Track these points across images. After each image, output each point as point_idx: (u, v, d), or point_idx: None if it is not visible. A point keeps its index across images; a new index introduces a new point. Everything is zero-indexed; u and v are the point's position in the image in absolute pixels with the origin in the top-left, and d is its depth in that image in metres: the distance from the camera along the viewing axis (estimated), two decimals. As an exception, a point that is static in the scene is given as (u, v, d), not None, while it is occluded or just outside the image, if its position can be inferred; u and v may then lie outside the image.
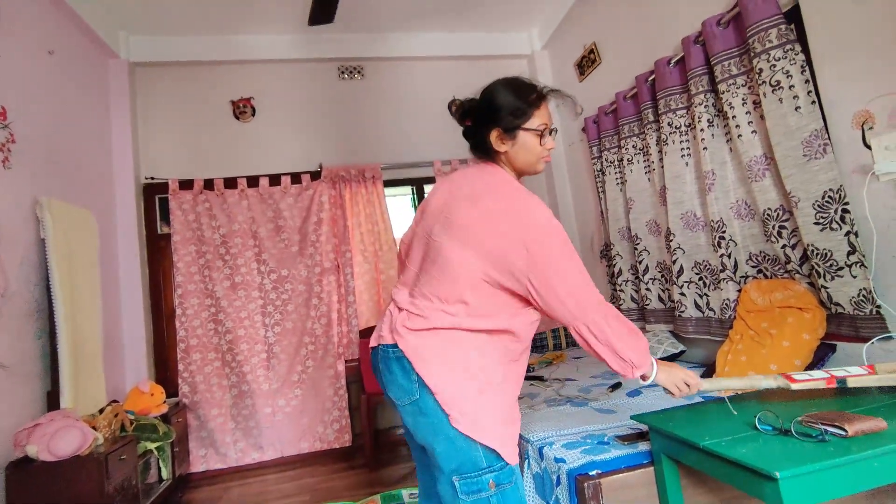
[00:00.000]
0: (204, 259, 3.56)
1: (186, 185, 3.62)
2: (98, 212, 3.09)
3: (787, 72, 1.99)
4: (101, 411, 2.59)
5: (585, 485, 1.39)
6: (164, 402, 2.98)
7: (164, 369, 3.54)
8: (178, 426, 3.09)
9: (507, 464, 1.20)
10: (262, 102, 3.90)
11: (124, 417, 2.52)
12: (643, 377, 1.28)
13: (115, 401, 2.90)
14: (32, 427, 2.12)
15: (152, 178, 3.62)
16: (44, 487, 2.06)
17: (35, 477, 2.06)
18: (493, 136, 1.26)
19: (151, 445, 2.62)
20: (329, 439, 3.55)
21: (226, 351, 3.51)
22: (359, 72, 4.11)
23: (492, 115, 1.25)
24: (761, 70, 2.07)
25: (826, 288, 1.96)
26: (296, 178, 3.79)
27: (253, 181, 3.72)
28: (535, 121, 1.25)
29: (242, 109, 3.85)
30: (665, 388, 1.33)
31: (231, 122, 3.85)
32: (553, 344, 3.85)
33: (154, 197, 3.66)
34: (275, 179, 3.75)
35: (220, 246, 3.59)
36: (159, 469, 2.79)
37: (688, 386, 1.32)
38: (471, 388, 1.19)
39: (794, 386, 1.30)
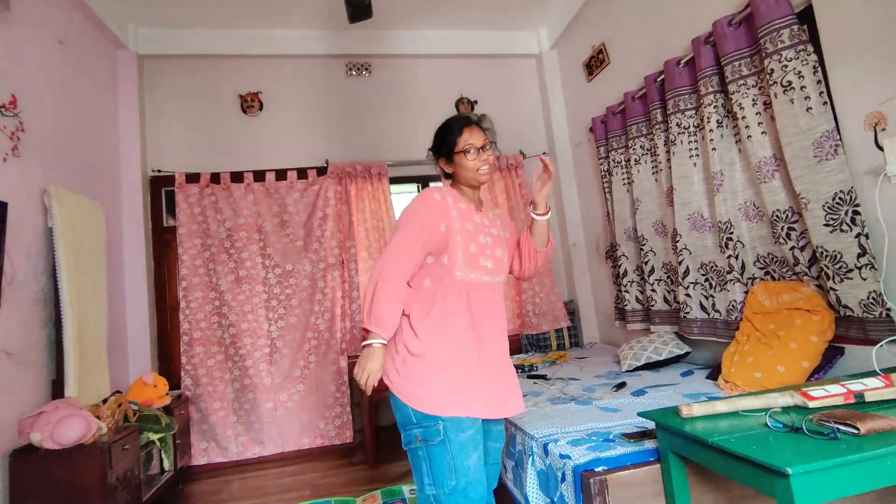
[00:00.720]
0: (209, 252, 3.56)
1: (193, 178, 3.62)
2: (104, 203, 3.09)
3: (799, 72, 1.98)
4: (104, 401, 2.60)
5: (591, 481, 1.38)
6: (167, 394, 2.98)
7: (168, 361, 3.55)
8: (180, 419, 3.09)
9: (436, 425, 1.38)
10: (269, 97, 3.91)
11: (128, 408, 2.53)
12: (364, 336, 1.42)
13: (118, 391, 2.90)
14: (37, 415, 2.12)
15: (159, 171, 3.63)
16: (47, 475, 2.06)
17: (38, 465, 2.06)
18: (441, 163, 1.64)
19: (154, 437, 2.62)
20: (330, 435, 3.55)
21: (229, 345, 3.51)
22: (366, 68, 4.12)
23: (437, 149, 1.64)
24: (773, 70, 2.07)
25: (835, 290, 1.95)
26: (302, 173, 3.79)
27: (259, 176, 3.72)
28: (462, 143, 1.55)
29: (250, 104, 3.85)
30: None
31: (238, 116, 3.85)
32: (556, 344, 3.84)
33: (160, 189, 3.67)
34: (281, 174, 3.76)
35: (226, 240, 3.59)
36: (161, 460, 2.79)
37: (363, 381, 1.38)
38: (397, 361, 1.46)
39: (812, 403, 1.28)
